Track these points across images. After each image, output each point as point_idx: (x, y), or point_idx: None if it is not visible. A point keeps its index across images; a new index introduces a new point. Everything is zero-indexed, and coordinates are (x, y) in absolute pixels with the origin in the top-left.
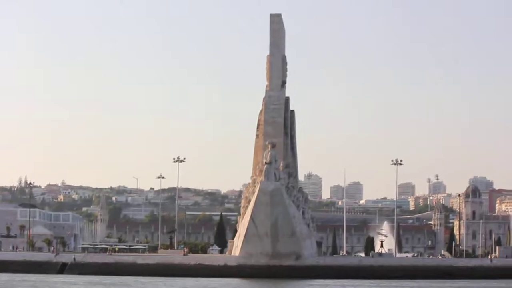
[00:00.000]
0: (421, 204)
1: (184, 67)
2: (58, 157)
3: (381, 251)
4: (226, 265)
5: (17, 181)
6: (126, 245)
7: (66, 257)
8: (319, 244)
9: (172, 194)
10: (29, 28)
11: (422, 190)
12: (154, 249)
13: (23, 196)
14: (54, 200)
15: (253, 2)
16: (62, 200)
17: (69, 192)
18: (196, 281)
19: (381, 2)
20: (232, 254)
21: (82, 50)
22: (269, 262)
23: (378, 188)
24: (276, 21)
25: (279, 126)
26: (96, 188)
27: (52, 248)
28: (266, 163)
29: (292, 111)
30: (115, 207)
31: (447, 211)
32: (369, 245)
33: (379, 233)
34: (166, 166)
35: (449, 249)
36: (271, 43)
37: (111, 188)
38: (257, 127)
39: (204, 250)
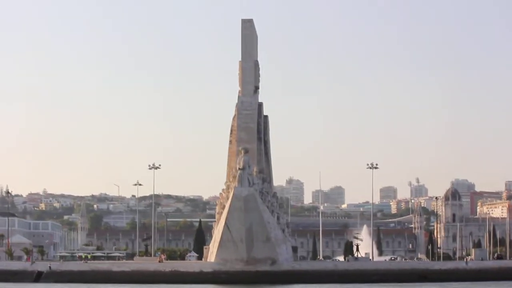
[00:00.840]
0: (403, 208)
1: (157, 74)
2: (39, 166)
3: (357, 255)
4: (202, 271)
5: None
6: (104, 253)
7: (41, 266)
8: (295, 249)
9: (154, 201)
10: None
11: (404, 193)
12: (132, 256)
13: (4, 205)
14: (35, 208)
15: (224, 8)
16: (43, 209)
17: (50, 201)
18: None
19: (354, 7)
20: (208, 260)
21: (59, 59)
22: (244, 267)
23: (360, 192)
24: (247, 27)
25: (252, 132)
26: (78, 196)
27: (26, 257)
28: (239, 168)
29: (266, 117)
30: (96, 215)
31: (429, 214)
32: (348, 250)
33: (355, 237)
34: (146, 173)
35: (428, 252)
36: (243, 48)
37: (92, 196)
38: (231, 133)
39: (182, 257)
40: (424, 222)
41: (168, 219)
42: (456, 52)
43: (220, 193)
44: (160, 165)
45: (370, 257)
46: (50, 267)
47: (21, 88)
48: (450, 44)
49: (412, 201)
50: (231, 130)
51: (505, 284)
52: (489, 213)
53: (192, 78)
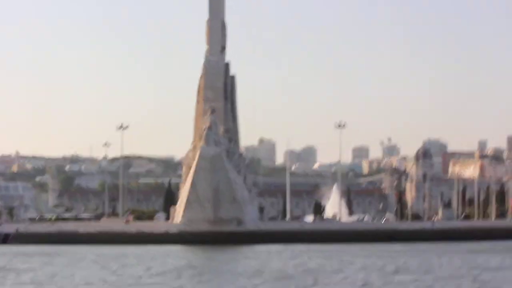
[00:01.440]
0: (375, 168)
1: (125, 33)
2: (11, 127)
3: (323, 216)
4: (168, 232)
5: None
6: (73, 215)
7: (9, 228)
8: (261, 209)
9: (125, 162)
10: None
11: (376, 153)
12: (101, 218)
13: None
14: (7, 170)
15: None
16: (15, 171)
17: (22, 162)
18: (134, 248)
19: None
20: (174, 221)
21: (29, 25)
22: (211, 228)
23: (332, 152)
24: None
25: (218, 91)
26: (50, 158)
27: None
28: (205, 128)
29: (233, 77)
30: (68, 176)
31: (401, 174)
32: (318, 210)
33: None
34: (117, 134)
35: (397, 213)
36: (210, 8)
37: (64, 157)
38: (197, 93)
39: (151, 218)
40: (396, 182)
41: (139, 180)
42: (429, 5)
43: (187, 153)
44: (127, 125)
45: (338, 218)
46: (17, 229)
47: None
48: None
49: (385, 160)
50: (198, 90)
51: (471, 244)
52: (461, 173)
53: (160, 38)
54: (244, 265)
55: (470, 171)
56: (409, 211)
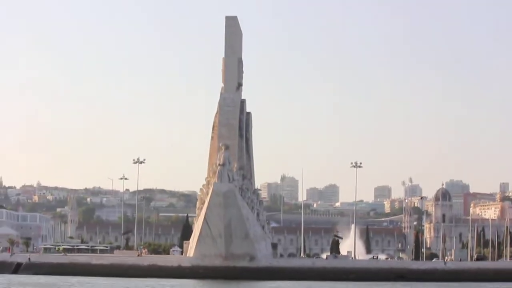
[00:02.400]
0: (397, 207)
1: (144, 69)
2: (34, 159)
3: (337, 253)
4: (180, 266)
5: None
6: (88, 246)
7: (21, 257)
8: (274, 246)
9: (147, 195)
10: None
11: (399, 193)
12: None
13: None
14: (28, 201)
15: (209, 4)
16: (36, 201)
17: (44, 193)
18: (145, 282)
19: (339, 5)
20: (187, 255)
21: (55, 51)
22: (223, 263)
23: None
24: (231, 24)
25: (233, 128)
26: (72, 189)
27: (8, 248)
28: (219, 164)
29: (248, 113)
30: (88, 208)
31: (420, 214)
32: (334, 247)
33: (335, 235)
34: (140, 168)
35: (416, 252)
36: (227, 45)
37: (86, 189)
38: (212, 129)
39: (167, 251)
40: (415, 222)
41: (160, 214)
42: (453, 53)
43: (201, 189)
44: (144, 159)
45: (352, 256)
46: (29, 258)
47: (17, 82)
48: (447, 45)
49: (406, 200)
50: (213, 126)
51: (483, 285)
52: (481, 215)
53: (177, 74)
54: None
55: (491, 212)
56: (424, 251)
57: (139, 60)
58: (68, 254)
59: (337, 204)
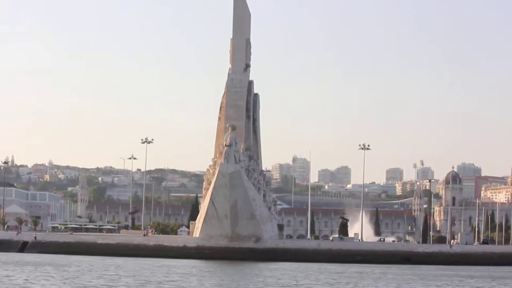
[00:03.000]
0: (408, 190)
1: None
2: (46, 137)
3: (343, 235)
4: (185, 246)
5: (3, 160)
6: (96, 225)
7: (27, 236)
8: (280, 227)
9: (159, 175)
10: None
11: (411, 176)
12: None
13: (10, 175)
14: (40, 179)
15: None
16: (48, 180)
17: (55, 172)
18: (151, 261)
19: None
20: (193, 235)
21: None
22: (228, 244)
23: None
24: (239, 4)
25: (240, 109)
26: (83, 168)
27: (15, 226)
28: (226, 145)
29: (256, 94)
30: (100, 188)
31: (431, 197)
32: (342, 229)
33: (341, 217)
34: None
35: (424, 235)
36: (234, 26)
37: (97, 169)
38: (220, 110)
39: (175, 231)
40: (425, 205)
41: (171, 194)
42: (467, 37)
43: (207, 169)
44: (152, 139)
45: (359, 238)
46: (35, 237)
47: (27, 63)
48: (459, 31)
49: (417, 183)
50: (220, 107)
51: (487, 269)
52: (492, 198)
53: (187, 55)
54: (249, 282)
55: (502, 196)
56: (433, 234)
57: (148, 42)
58: (74, 233)
59: (349, 186)
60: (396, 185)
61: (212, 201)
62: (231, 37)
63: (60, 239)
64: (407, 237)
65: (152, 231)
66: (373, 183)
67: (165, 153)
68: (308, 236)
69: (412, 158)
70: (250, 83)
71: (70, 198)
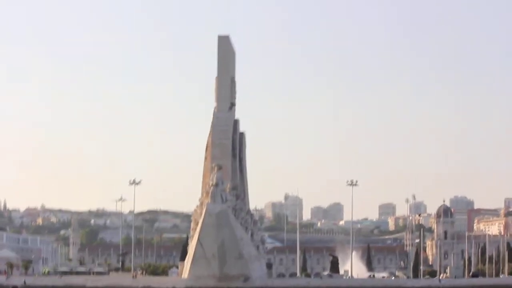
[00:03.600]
0: (401, 225)
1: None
2: (38, 181)
3: (332, 272)
4: (174, 287)
5: None
6: (86, 269)
7: (17, 280)
8: (269, 266)
9: (151, 216)
10: None
11: (404, 211)
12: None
13: (2, 219)
14: (32, 223)
15: (203, 23)
16: (40, 224)
17: (48, 215)
18: None
19: (329, 24)
20: (182, 276)
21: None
22: (217, 284)
23: (359, 209)
24: (224, 43)
25: (226, 148)
26: (76, 211)
27: (4, 271)
28: (212, 185)
29: (242, 133)
30: (92, 230)
31: (423, 231)
32: (333, 266)
33: (330, 255)
34: (144, 189)
35: (415, 270)
36: (219, 64)
37: (89, 211)
38: (206, 149)
39: (166, 272)
40: (418, 240)
41: (164, 235)
42: (455, 66)
43: (195, 210)
44: (140, 180)
45: (349, 275)
46: (25, 281)
47: (18, 107)
48: (450, 56)
49: (410, 218)
50: (207, 147)
51: None
52: (485, 230)
53: (172, 95)
54: None
55: (495, 228)
56: (423, 268)
57: (134, 77)
58: (63, 276)
59: (341, 222)
60: (389, 220)
61: (199, 241)
62: (216, 75)
63: (49, 283)
64: (397, 273)
65: (140, 272)
66: (366, 218)
67: (157, 194)
68: (298, 274)
69: (405, 192)
70: (236, 122)
71: (63, 242)
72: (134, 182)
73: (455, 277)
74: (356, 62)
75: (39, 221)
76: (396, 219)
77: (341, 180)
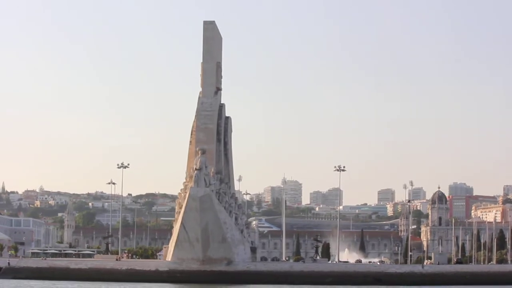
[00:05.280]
0: (399, 210)
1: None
2: (37, 164)
3: (316, 257)
4: (157, 270)
5: None
6: (75, 250)
7: (1, 262)
8: (253, 249)
9: (149, 200)
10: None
11: (402, 196)
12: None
13: (0, 202)
14: (30, 206)
15: (189, 9)
16: (38, 206)
17: (46, 198)
18: (122, 286)
19: (319, 8)
20: (166, 259)
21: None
22: (200, 267)
23: (359, 195)
24: (209, 28)
25: (210, 133)
26: (74, 194)
27: None
28: (195, 169)
29: (228, 118)
30: (89, 213)
31: (423, 218)
32: (325, 251)
33: (314, 239)
34: (144, 171)
35: (405, 256)
36: (204, 50)
37: (88, 194)
38: (191, 134)
39: (155, 256)
40: (415, 226)
41: (161, 218)
42: (454, 54)
43: (179, 193)
44: (128, 164)
45: (335, 259)
46: (9, 263)
47: (16, 89)
48: (445, 48)
49: (409, 204)
50: (191, 131)
51: None
52: (482, 217)
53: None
54: None
55: (492, 215)
56: (411, 254)
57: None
58: (53, 258)
59: (340, 207)
60: (388, 206)
61: (183, 224)
62: (201, 61)
63: (33, 265)
64: (383, 258)
65: (126, 255)
66: (365, 204)
67: (155, 177)
68: (283, 258)
69: (405, 178)
70: (221, 107)
71: (60, 224)
72: (122, 166)
73: (438, 263)
74: (346, 48)
75: (37, 203)
76: (395, 205)
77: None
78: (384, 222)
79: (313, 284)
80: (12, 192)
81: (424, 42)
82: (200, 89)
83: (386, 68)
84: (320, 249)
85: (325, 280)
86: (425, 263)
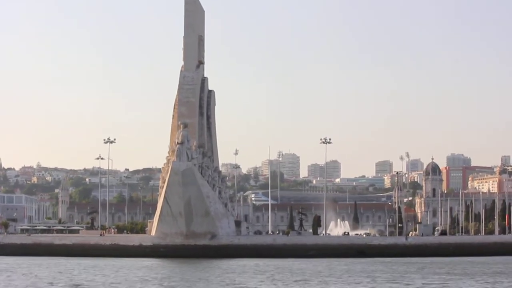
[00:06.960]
0: (396, 182)
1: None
2: (34, 140)
3: (300, 230)
4: (141, 245)
5: None
6: (64, 226)
7: None
8: (238, 223)
9: (147, 175)
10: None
11: (399, 168)
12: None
13: None
14: (27, 182)
15: None
16: (35, 182)
17: (43, 174)
18: (103, 261)
19: None
20: (150, 234)
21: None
22: (184, 241)
23: (357, 167)
24: (190, 2)
25: (193, 106)
26: (71, 170)
27: None
28: (178, 143)
29: (211, 91)
30: (86, 189)
31: (415, 189)
32: (316, 224)
33: (299, 212)
34: (144, 145)
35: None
36: (186, 24)
37: (85, 170)
38: (174, 108)
39: (143, 231)
40: (411, 197)
41: (158, 193)
42: (450, 25)
43: (162, 167)
44: (115, 139)
45: (323, 232)
46: None
47: (13, 65)
48: (443, 22)
49: (406, 175)
50: (174, 105)
51: (440, 260)
52: (479, 188)
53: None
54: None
55: (488, 186)
56: (404, 225)
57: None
58: (32, 234)
59: (337, 180)
60: (385, 178)
61: (166, 199)
62: (183, 34)
63: (18, 241)
64: (369, 230)
65: (114, 231)
66: (363, 176)
67: (153, 152)
68: (269, 231)
69: (403, 150)
70: (204, 80)
71: (56, 200)
72: (109, 141)
73: (422, 235)
74: (337, 15)
75: (34, 179)
76: (392, 177)
77: (338, 137)
78: (381, 194)
79: (297, 257)
80: (9, 169)
81: (421, 14)
82: (182, 63)
83: (383, 41)
84: (305, 222)
85: (308, 253)
86: (410, 235)
